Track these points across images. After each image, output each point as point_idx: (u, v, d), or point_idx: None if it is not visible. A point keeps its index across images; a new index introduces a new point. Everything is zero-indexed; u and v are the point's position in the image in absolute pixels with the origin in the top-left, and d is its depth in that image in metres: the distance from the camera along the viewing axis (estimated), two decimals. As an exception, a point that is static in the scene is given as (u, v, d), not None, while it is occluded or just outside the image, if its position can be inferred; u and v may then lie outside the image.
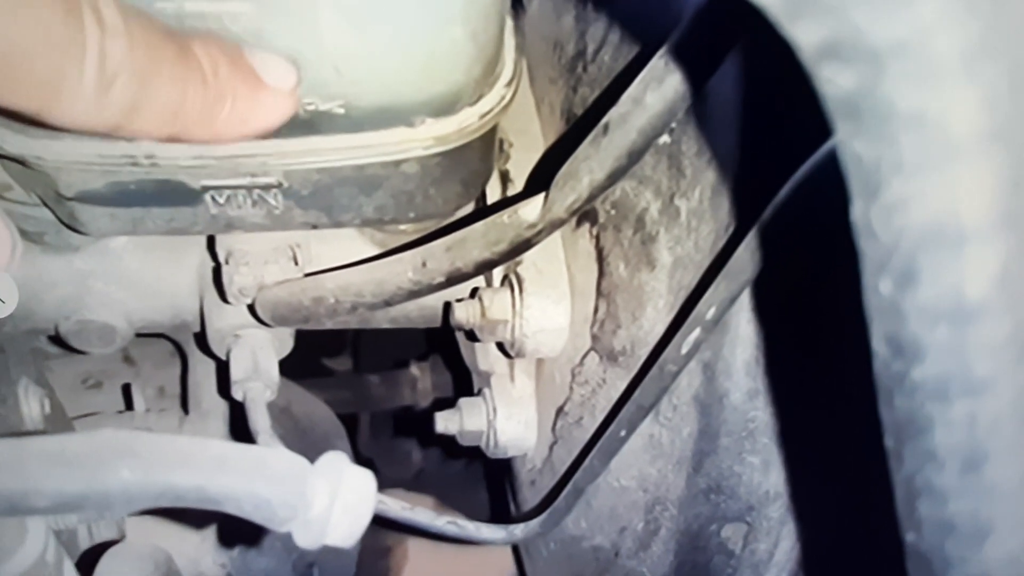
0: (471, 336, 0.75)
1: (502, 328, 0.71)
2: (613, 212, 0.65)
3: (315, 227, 0.60)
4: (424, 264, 0.59)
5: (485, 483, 1.31)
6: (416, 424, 1.41)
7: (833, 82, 0.22)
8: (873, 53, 0.21)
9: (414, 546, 1.15)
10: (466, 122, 0.52)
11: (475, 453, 0.82)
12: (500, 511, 1.09)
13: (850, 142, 0.23)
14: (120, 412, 0.95)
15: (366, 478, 0.39)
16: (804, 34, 0.23)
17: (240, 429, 0.80)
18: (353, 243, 0.73)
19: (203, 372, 0.90)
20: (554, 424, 0.76)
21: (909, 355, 0.25)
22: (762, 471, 0.55)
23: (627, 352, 0.64)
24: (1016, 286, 0.23)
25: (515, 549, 1.01)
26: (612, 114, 0.46)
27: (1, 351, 0.74)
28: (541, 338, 0.72)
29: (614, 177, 0.47)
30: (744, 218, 0.51)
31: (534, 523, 0.71)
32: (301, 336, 0.76)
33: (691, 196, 0.55)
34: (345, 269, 0.65)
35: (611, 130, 0.45)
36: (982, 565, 0.27)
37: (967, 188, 0.22)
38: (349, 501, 0.38)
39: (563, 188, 0.50)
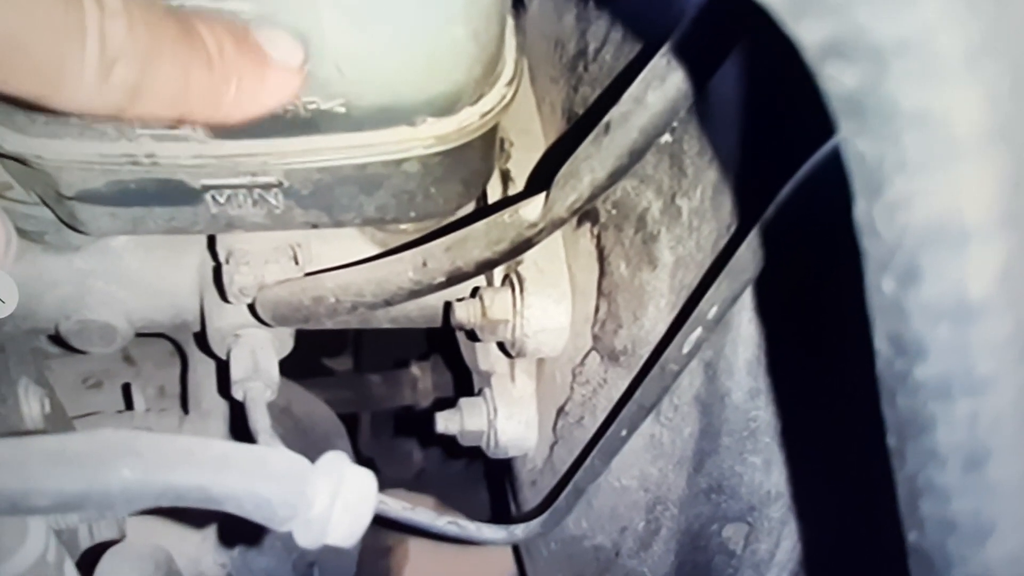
0: (472, 336, 0.75)
1: (503, 328, 0.71)
2: (614, 211, 0.65)
3: (316, 226, 0.60)
4: (425, 264, 0.59)
5: (486, 483, 1.32)
6: (417, 424, 1.41)
7: (836, 80, 0.22)
8: (876, 52, 0.21)
9: (415, 546, 1.15)
10: (467, 121, 0.52)
11: (476, 453, 0.82)
12: (501, 511, 1.09)
13: (853, 140, 0.23)
14: (120, 412, 0.95)
15: (367, 478, 0.39)
16: (807, 33, 0.23)
17: (240, 429, 0.80)
18: (354, 242, 0.73)
19: (203, 372, 0.90)
20: (555, 424, 0.76)
21: (911, 354, 0.25)
22: (763, 471, 0.55)
23: (628, 352, 0.64)
24: (1018, 285, 0.23)
25: (516, 549, 1.01)
26: (613, 113, 0.45)
27: (1, 350, 0.74)
28: (542, 338, 0.72)
29: (615, 176, 0.47)
30: (746, 217, 0.51)
31: (535, 523, 0.71)
32: (301, 336, 0.76)
33: (693, 195, 0.55)
34: (346, 269, 0.65)
35: (612, 129, 0.45)
36: (984, 564, 0.27)
37: (970, 186, 0.22)
38: (350, 501, 0.38)
39: (564, 187, 0.50)
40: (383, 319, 0.78)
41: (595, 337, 0.69)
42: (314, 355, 1.50)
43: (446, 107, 0.51)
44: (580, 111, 0.70)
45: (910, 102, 0.21)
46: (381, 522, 0.60)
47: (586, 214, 0.69)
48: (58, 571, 0.48)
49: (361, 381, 1.41)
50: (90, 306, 0.72)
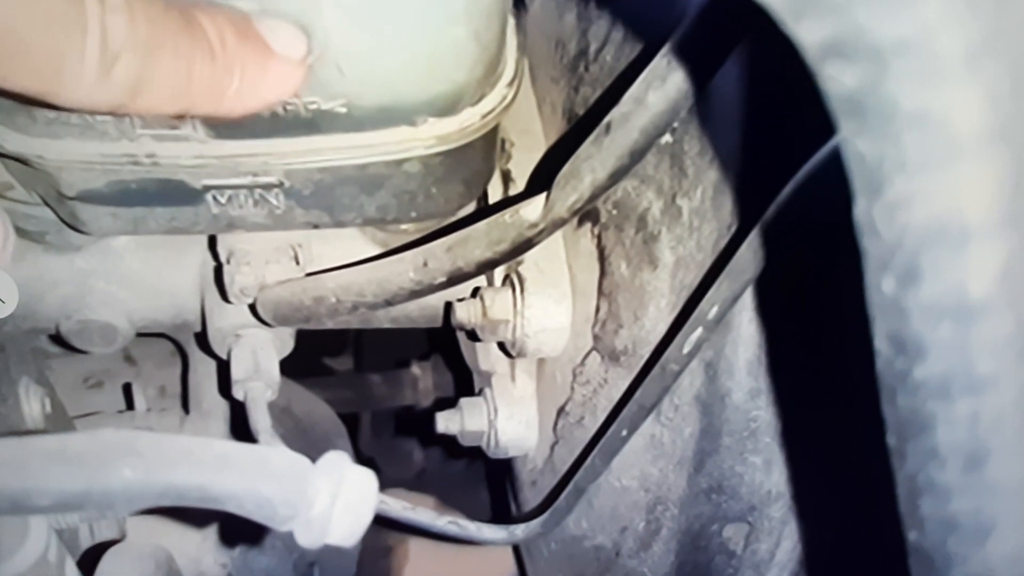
0: (472, 336, 0.75)
1: (503, 328, 0.71)
2: (615, 211, 0.65)
3: (317, 227, 0.60)
4: (425, 264, 0.59)
5: (486, 483, 1.31)
6: (417, 424, 1.41)
7: (836, 80, 0.22)
8: (876, 51, 0.21)
9: (415, 546, 1.15)
10: (468, 121, 0.52)
11: (476, 453, 0.82)
12: (501, 511, 1.09)
13: (853, 140, 0.23)
14: (121, 412, 0.95)
15: (367, 477, 0.39)
16: (807, 33, 0.23)
17: (241, 429, 0.80)
18: (355, 243, 0.73)
19: (204, 372, 0.90)
20: (555, 424, 0.76)
21: (912, 353, 0.25)
22: (764, 471, 0.55)
23: (629, 352, 0.64)
24: (1019, 284, 0.23)
25: (516, 549, 1.01)
26: (614, 113, 0.46)
27: (2, 350, 0.74)
28: (542, 338, 0.72)
29: (616, 177, 0.47)
30: (746, 217, 0.51)
31: (535, 523, 0.71)
32: (302, 336, 0.76)
33: (693, 195, 0.55)
34: (346, 269, 0.65)
35: (613, 129, 0.45)
36: (984, 563, 0.27)
37: (970, 186, 0.22)
38: (350, 500, 0.38)
39: (565, 188, 0.50)
40: (384, 319, 0.78)
41: (596, 337, 0.69)
42: (315, 355, 1.50)
43: (447, 107, 0.51)
44: (581, 111, 0.70)
45: (910, 102, 0.21)
46: (381, 522, 0.60)
47: (587, 214, 0.69)
48: (59, 570, 0.48)
49: (362, 381, 1.41)
50: (91, 306, 0.72)
